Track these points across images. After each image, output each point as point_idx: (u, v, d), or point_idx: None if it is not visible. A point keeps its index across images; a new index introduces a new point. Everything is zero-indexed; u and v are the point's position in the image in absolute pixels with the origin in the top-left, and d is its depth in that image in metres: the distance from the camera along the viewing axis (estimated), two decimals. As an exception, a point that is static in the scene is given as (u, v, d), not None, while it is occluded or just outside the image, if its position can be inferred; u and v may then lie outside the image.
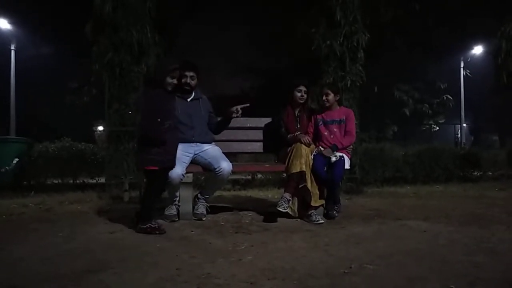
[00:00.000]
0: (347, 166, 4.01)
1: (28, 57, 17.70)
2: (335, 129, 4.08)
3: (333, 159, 3.84)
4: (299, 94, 4.05)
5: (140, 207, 3.37)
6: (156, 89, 3.41)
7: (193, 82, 3.78)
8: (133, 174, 5.52)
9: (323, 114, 4.16)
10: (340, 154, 3.91)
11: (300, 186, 3.69)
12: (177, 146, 3.52)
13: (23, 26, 16.78)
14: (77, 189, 6.27)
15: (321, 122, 4.13)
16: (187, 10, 16.42)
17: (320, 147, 3.97)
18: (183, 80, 3.73)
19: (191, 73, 3.76)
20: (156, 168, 3.28)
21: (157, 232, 3.13)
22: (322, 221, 3.58)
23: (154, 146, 3.28)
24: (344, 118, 4.12)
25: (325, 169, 3.84)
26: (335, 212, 3.89)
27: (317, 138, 4.15)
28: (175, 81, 3.55)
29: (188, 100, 3.82)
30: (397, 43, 17.35)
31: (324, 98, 4.10)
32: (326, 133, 4.08)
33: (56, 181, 7.11)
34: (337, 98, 4.20)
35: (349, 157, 4.12)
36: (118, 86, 5.52)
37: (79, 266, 2.23)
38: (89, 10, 5.63)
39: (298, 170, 3.63)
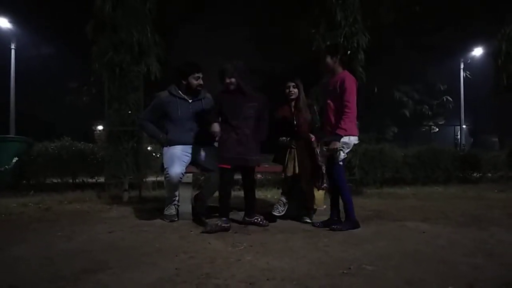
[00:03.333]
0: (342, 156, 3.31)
1: (28, 56, 17.70)
2: (328, 101, 3.43)
3: (341, 156, 3.30)
4: (287, 91, 4.01)
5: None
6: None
7: (202, 83, 3.82)
8: (133, 173, 5.53)
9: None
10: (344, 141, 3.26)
11: (297, 187, 3.70)
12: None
13: (23, 25, 16.77)
14: (76, 189, 6.27)
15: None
16: (186, 11, 16.41)
17: (324, 147, 3.38)
18: (195, 82, 3.76)
19: (200, 75, 3.80)
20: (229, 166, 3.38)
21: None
22: (308, 221, 3.62)
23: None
24: (338, 86, 3.29)
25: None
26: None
27: None
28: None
29: (191, 101, 3.82)
30: (397, 45, 17.37)
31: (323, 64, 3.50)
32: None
33: (56, 181, 7.10)
34: (335, 60, 3.43)
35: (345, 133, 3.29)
36: (118, 86, 5.52)
37: (78, 266, 2.23)
38: (90, 10, 5.63)
39: (293, 172, 3.65)
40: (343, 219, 3.45)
